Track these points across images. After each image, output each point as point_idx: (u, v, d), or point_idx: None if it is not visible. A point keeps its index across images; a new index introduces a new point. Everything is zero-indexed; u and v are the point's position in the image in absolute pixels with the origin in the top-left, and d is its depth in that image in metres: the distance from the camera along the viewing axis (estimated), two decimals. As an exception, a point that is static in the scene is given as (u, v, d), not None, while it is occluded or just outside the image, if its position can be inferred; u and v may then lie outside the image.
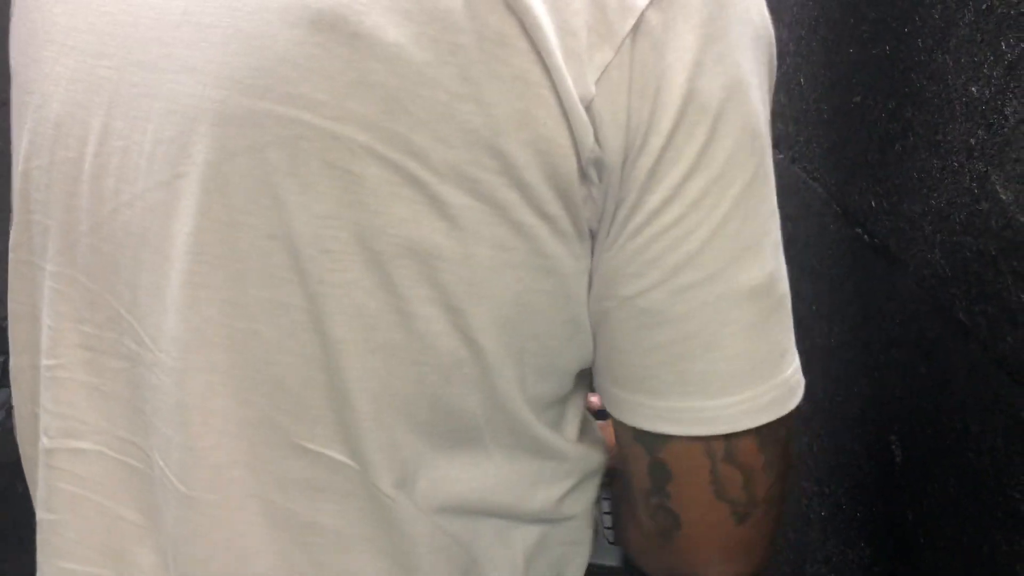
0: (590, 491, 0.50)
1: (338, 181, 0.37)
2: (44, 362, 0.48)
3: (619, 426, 0.45)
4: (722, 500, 0.43)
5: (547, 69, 0.35)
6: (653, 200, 0.37)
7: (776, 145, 0.93)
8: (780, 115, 0.91)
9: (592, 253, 0.40)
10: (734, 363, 0.39)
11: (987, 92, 0.49)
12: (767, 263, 0.40)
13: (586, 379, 0.48)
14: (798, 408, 0.42)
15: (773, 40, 0.41)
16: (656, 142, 0.37)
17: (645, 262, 0.38)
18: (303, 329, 0.39)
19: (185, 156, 0.39)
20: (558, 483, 0.47)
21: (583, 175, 0.37)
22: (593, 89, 0.35)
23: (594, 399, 0.54)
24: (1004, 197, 0.48)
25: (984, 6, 0.49)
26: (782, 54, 0.90)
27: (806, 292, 0.83)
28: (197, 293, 0.40)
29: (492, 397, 0.41)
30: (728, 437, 0.41)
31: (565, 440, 0.47)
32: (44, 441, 0.48)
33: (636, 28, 0.35)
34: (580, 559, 0.52)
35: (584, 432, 0.50)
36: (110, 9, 0.42)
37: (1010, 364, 0.47)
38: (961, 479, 0.53)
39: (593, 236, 0.40)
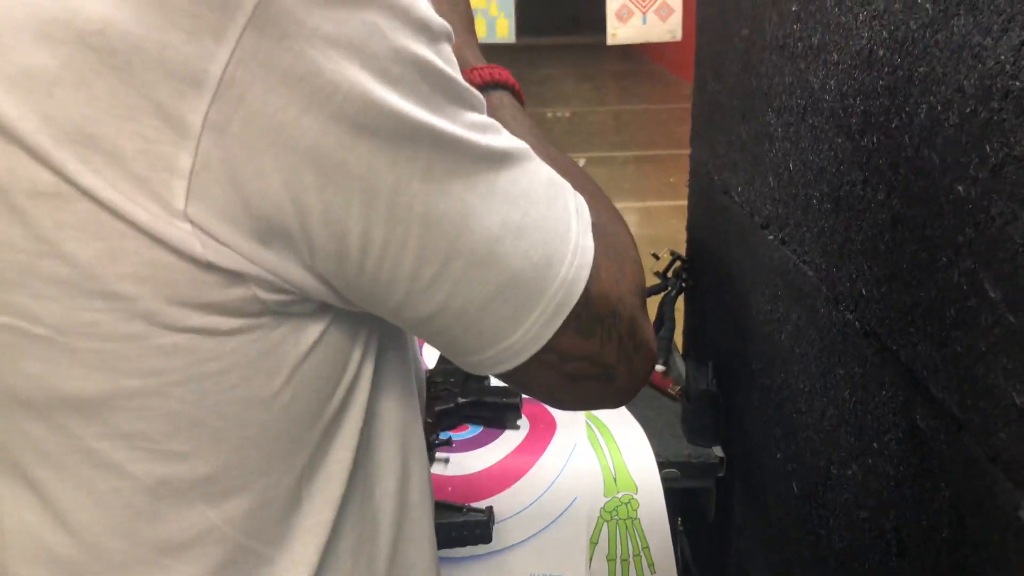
0: None
1: None
2: None
3: None
4: (580, 383, 0.46)
5: (111, 210, 0.34)
6: (347, 246, 0.37)
7: (766, 226, 0.94)
8: (770, 197, 0.93)
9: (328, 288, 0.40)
10: (506, 308, 0.41)
11: (973, 192, 0.50)
12: (485, 242, 0.40)
13: None
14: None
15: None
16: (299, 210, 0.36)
17: (385, 283, 0.39)
18: None
19: None
20: None
21: (219, 274, 0.36)
22: (183, 201, 0.34)
23: None
24: (993, 295, 0.49)
25: (968, 110, 0.51)
26: (771, 137, 0.92)
27: (798, 373, 0.84)
28: None
29: None
30: (549, 349, 0.42)
31: None
32: None
33: (204, 123, 0.34)
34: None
35: None
36: None
37: (1004, 460, 0.48)
38: (959, 574, 0.53)
39: (298, 297, 0.39)
